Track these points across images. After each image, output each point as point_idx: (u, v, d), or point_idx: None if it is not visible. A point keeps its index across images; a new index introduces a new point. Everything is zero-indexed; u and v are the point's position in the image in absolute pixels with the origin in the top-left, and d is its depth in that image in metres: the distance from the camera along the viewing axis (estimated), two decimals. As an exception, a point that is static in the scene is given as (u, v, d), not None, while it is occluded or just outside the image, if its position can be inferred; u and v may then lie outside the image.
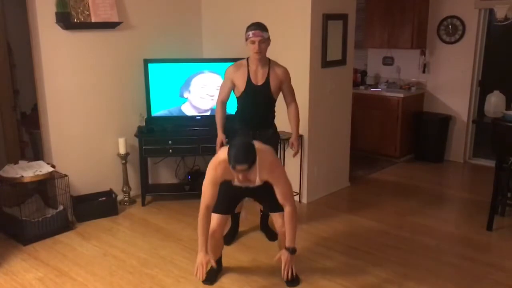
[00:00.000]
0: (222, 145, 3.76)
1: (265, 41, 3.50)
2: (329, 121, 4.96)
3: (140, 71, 4.75)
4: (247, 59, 3.63)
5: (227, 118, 3.84)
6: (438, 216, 4.56)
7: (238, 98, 3.73)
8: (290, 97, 3.77)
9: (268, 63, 3.62)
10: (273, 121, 3.82)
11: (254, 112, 3.70)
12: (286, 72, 3.67)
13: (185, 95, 4.81)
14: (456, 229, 4.32)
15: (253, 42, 3.47)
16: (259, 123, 3.72)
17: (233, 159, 2.74)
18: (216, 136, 3.86)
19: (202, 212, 2.99)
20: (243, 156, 2.74)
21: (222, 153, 2.93)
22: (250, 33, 3.46)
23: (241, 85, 3.62)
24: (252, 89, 3.61)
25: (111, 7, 4.50)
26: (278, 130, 3.89)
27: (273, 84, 3.62)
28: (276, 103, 3.77)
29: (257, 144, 2.92)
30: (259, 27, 3.48)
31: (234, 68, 3.66)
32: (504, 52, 5.90)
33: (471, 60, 5.99)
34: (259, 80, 3.61)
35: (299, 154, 4.74)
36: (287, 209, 3.02)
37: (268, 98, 3.67)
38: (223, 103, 3.76)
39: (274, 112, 3.80)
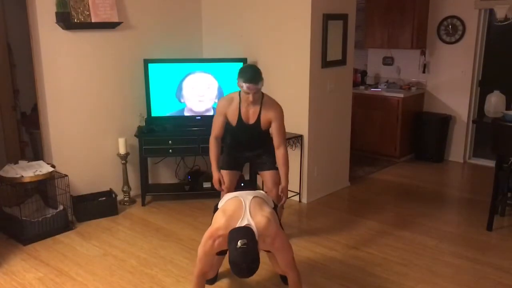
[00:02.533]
0: (220, 184, 3.62)
1: (259, 90, 3.36)
2: (329, 121, 4.96)
3: (140, 71, 4.75)
4: (239, 93, 3.44)
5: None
6: (438, 216, 4.56)
7: (230, 128, 3.62)
8: (278, 139, 3.49)
9: (260, 101, 3.44)
10: (267, 148, 3.64)
11: (245, 144, 3.65)
12: (277, 112, 3.46)
13: (182, 100, 4.81)
14: (456, 229, 4.32)
15: (246, 93, 3.32)
16: (251, 153, 3.65)
17: (238, 274, 2.62)
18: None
19: (196, 280, 2.89)
20: (248, 273, 2.61)
21: (220, 225, 2.75)
22: (244, 85, 3.29)
23: (232, 121, 3.53)
24: (243, 127, 3.52)
25: (111, 7, 4.50)
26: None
27: (263, 123, 3.48)
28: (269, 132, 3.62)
29: (258, 212, 2.77)
30: (254, 79, 3.28)
31: (225, 102, 3.53)
32: (504, 52, 5.89)
33: (471, 60, 5.99)
34: (250, 119, 3.48)
35: (298, 155, 4.76)
36: (290, 276, 2.90)
37: (259, 134, 3.56)
38: (217, 139, 3.59)
39: (267, 142, 3.63)
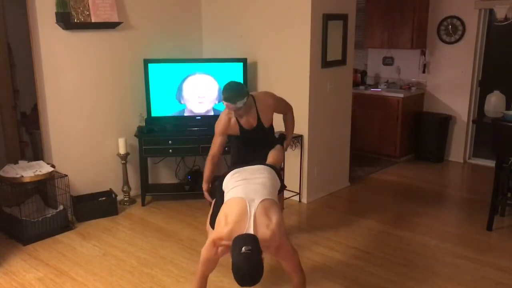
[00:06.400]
0: (208, 191, 3.60)
1: (241, 107, 3.28)
2: (329, 121, 4.96)
3: (140, 71, 4.75)
4: None
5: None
6: (438, 216, 4.56)
7: (235, 141, 3.63)
8: (285, 111, 3.71)
9: (254, 105, 3.43)
10: (273, 142, 3.66)
11: (252, 147, 3.59)
12: (271, 99, 3.53)
13: (182, 102, 4.81)
14: (456, 229, 4.32)
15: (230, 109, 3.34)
16: (260, 152, 3.55)
17: (240, 281, 2.54)
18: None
19: (198, 282, 2.83)
20: (250, 280, 2.53)
21: (223, 236, 2.68)
22: (224, 102, 3.30)
23: (235, 133, 3.53)
24: (247, 133, 3.51)
25: (111, 7, 4.50)
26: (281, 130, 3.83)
27: (265, 120, 3.48)
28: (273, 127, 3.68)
29: (263, 223, 2.66)
30: (230, 99, 3.24)
31: (224, 121, 3.47)
32: (504, 52, 5.89)
33: (471, 60, 5.99)
34: (251, 124, 3.47)
35: (298, 155, 4.76)
36: (295, 279, 2.87)
37: (264, 134, 3.56)
38: (213, 158, 3.55)
39: (274, 137, 3.69)
